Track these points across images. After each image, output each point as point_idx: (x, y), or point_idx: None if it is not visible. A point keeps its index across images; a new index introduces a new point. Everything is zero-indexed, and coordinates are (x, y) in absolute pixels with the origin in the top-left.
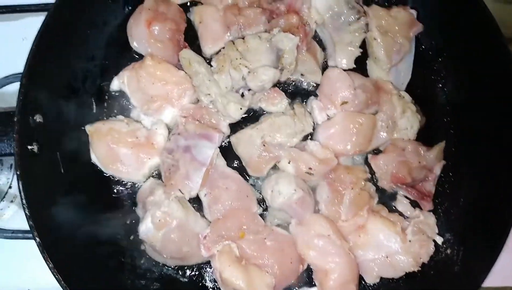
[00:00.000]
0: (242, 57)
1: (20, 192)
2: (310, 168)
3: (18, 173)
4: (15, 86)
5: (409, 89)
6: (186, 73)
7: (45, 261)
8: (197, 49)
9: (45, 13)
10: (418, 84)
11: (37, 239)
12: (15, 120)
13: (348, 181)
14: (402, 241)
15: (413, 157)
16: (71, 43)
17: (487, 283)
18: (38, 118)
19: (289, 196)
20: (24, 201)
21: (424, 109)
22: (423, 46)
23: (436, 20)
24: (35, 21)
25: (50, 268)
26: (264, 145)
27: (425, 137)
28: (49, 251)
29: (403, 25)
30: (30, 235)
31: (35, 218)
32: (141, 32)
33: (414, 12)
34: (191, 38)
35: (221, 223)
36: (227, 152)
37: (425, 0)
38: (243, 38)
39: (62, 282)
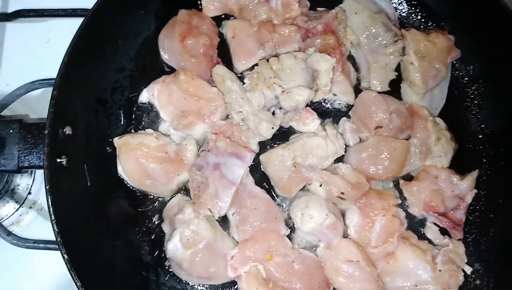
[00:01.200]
0: (276, 76)
1: (48, 207)
2: (342, 193)
3: (47, 187)
4: (37, 92)
5: (442, 114)
6: (218, 89)
7: (73, 279)
8: (228, 64)
9: (72, 18)
10: (451, 110)
11: (65, 256)
12: (45, 132)
13: (380, 207)
14: (432, 270)
15: (447, 185)
16: (102, 54)
17: None
18: (68, 130)
19: (321, 221)
20: (53, 216)
21: (456, 136)
22: (457, 72)
23: (473, 46)
24: (59, 23)
25: (78, 287)
26: (295, 166)
27: (456, 164)
28: (76, 268)
29: (441, 51)
30: (52, 245)
31: (63, 234)
32: (174, 46)
33: (452, 37)
34: (222, 53)
35: (249, 244)
36: (254, 170)
37: (462, 25)
38: (276, 56)
39: None
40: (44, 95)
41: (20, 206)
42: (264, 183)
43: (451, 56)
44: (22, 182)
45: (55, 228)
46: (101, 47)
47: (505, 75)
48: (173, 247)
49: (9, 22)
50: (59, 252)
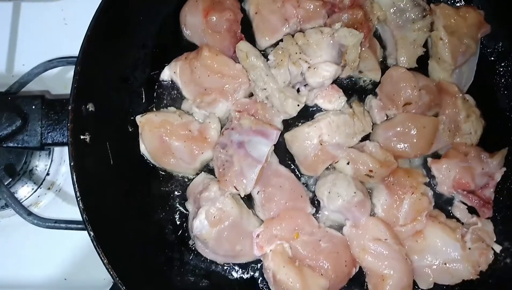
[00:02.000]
0: (302, 51)
1: (73, 184)
2: (370, 171)
3: (71, 164)
4: (54, 71)
5: (470, 92)
6: (242, 66)
7: (100, 256)
8: (251, 41)
9: None
10: (479, 87)
11: (91, 233)
12: (69, 108)
13: (408, 185)
14: (462, 248)
15: (476, 163)
16: (123, 31)
17: None
18: (91, 107)
19: (349, 199)
20: (77, 193)
21: (484, 113)
22: (486, 48)
23: (503, 22)
24: (76, 2)
25: (104, 264)
26: (321, 144)
27: (484, 142)
28: (103, 246)
29: (471, 26)
30: (73, 225)
31: (89, 211)
32: (197, 22)
33: (482, 12)
34: (245, 29)
35: (275, 222)
36: (278, 149)
37: (492, 0)
38: (301, 32)
39: (117, 279)
40: (62, 74)
41: (38, 187)
42: (290, 163)
43: (481, 31)
44: (40, 163)
45: (80, 205)
46: (123, 23)
47: None
48: (199, 224)
49: (23, 2)
50: (78, 232)
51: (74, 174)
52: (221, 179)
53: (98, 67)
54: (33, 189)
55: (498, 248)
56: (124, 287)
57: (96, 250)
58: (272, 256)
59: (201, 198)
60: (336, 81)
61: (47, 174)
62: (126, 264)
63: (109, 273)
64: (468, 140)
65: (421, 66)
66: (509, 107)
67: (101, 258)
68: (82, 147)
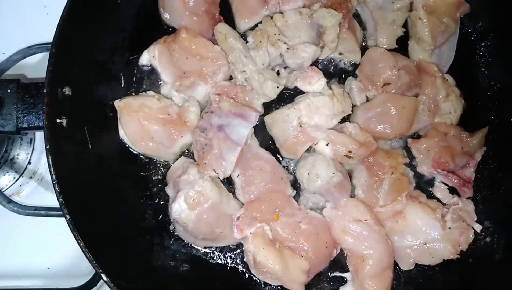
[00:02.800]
0: (281, 33)
1: (49, 167)
2: (349, 151)
3: (47, 147)
4: (37, 57)
5: (450, 72)
6: (221, 48)
7: (76, 239)
8: (230, 23)
9: None
10: (459, 67)
11: (67, 216)
12: (44, 91)
13: (388, 165)
14: (442, 228)
15: (456, 142)
16: (101, 13)
17: None
18: (67, 90)
19: (328, 180)
20: (53, 176)
21: (465, 93)
22: (466, 28)
23: (482, 1)
24: None
25: (81, 247)
26: (300, 126)
27: (465, 122)
28: (79, 228)
29: (450, 5)
30: (53, 212)
31: (65, 194)
32: (175, 4)
33: None
34: (224, 12)
35: (255, 205)
36: (259, 132)
37: None
38: (281, 13)
39: (94, 262)
40: (42, 61)
41: (20, 176)
42: (270, 146)
43: (460, 10)
44: (21, 152)
45: (56, 188)
46: (100, 5)
47: None
48: (178, 208)
49: None
50: (59, 219)
51: (49, 158)
52: (200, 163)
53: (75, 50)
54: (14, 178)
55: (478, 227)
56: (100, 270)
57: (72, 233)
58: (252, 239)
59: (180, 182)
60: (317, 63)
61: (29, 163)
62: (104, 248)
63: (86, 256)
64: (448, 119)
65: (402, 46)
66: (489, 87)
67: (77, 241)
68: (59, 130)
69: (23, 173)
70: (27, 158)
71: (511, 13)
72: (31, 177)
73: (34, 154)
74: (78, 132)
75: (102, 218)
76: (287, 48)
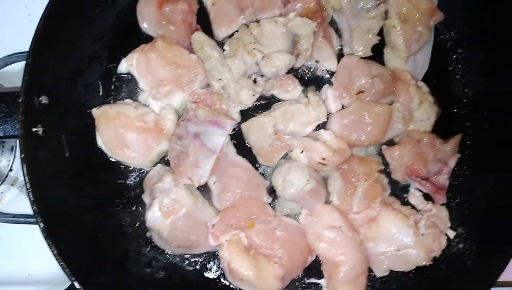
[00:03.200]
0: (257, 41)
1: (24, 176)
2: (323, 159)
3: (22, 156)
4: (18, 66)
5: (426, 79)
6: (198, 57)
7: (49, 247)
8: (209, 32)
9: None
10: (435, 75)
11: (41, 224)
12: (19, 100)
13: (362, 172)
14: (415, 234)
15: (429, 149)
16: (79, 22)
17: (502, 277)
18: (44, 99)
19: (302, 187)
20: (28, 185)
21: (440, 100)
22: (441, 36)
23: (457, 9)
24: None
25: (54, 255)
26: (276, 134)
27: (440, 129)
28: (53, 237)
29: (423, 13)
30: (32, 219)
31: (40, 202)
32: (152, 13)
33: (435, 0)
34: (202, 20)
35: (231, 212)
36: (237, 139)
37: None
38: (257, 22)
39: (67, 269)
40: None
41: (1, 183)
42: (247, 153)
43: (434, 18)
44: (3, 159)
45: (30, 196)
46: (77, 15)
47: (489, 38)
48: (152, 215)
49: None
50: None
51: (24, 166)
52: (176, 170)
53: (52, 59)
54: None
55: (452, 234)
56: (73, 278)
57: (46, 241)
58: (227, 246)
59: (155, 189)
60: (294, 71)
61: (10, 169)
62: (78, 255)
63: (59, 263)
64: (421, 127)
65: (378, 54)
66: (464, 94)
67: (50, 249)
68: (35, 139)
69: (4, 180)
70: (8, 165)
71: (485, 20)
72: (12, 184)
73: (16, 161)
74: (55, 140)
75: (77, 226)
76: (263, 57)
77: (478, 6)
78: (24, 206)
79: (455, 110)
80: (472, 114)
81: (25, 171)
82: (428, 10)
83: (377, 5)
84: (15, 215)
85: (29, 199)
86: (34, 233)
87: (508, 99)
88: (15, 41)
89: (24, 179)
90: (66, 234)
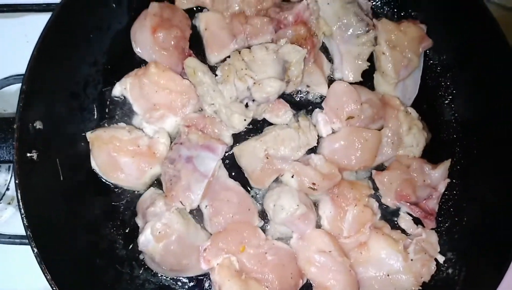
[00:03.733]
0: (248, 67)
1: (18, 201)
2: (313, 183)
3: (16, 181)
4: (15, 87)
5: (416, 104)
6: (190, 82)
7: (43, 272)
8: (201, 57)
9: (48, 13)
10: (424, 100)
11: (35, 249)
12: (14, 127)
13: (352, 197)
14: (404, 259)
15: (418, 175)
16: (74, 47)
17: None
18: (38, 124)
19: (292, 212)
20: (22, 210)
21: (430, 125)
22: (431, 61)
23: (446, 35)
24: (38, 19)
25: (47, 280)
26: (267, 158)
27: (430, 154)
28: (46, 262)
29: (412, 40)
30: (27, 240)
31: (33, 228)
32: (146, 39)
33: (424, 27)
34: (196, 45)
35: (222, 236)
36: (229, 163)
37: (435, 15)
38: (249, 48)
39: None
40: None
41: None
42: (240, 175)
43: (422, 45)
44: (0, 178)
45: (24, 222)
46: (72, 40)
47: (478, 63)
48: (145, 240)
49: None
50: None
51: (19, 192)
52: (168, 194)
53: (47, 85)
54: None
55: (441, 258)
56: None
57: (40, 266)
58: (218, 270)
59: (148, 213)
60: (286, 96)
61: (7, 189)
62: (72, 279)
63: (52, 288)
64: (411, 152)
65: (368, 80)
66: (454, 119)
67: (44, 274)
68: (29, 164)
69: (1, 199)
70: (5, 184)
71: (474, 45)
72: (9, 203)
73: (13, 180)
74: (49, 165)
75: (71, 249)
76: (254, 83)
77: (466, 31)
78: (21, 225)
79: (444, 135)
80: (461, 139)
81: (19, 197)
82: (417, 37)
83: (367, 32)
84: (10, 237)
85: (23, 224)
86: (30, 253)
87: (497, 124)
88: (13, 63)
89: (18, 205)
90: (60, 258)
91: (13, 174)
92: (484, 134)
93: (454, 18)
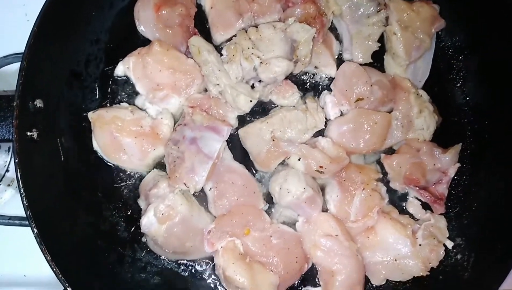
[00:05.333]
0: (255, 46)
1: (18, 181)
2: (321, 167)
3: (16, 160)
4: (15, 66)
5: (426, 87)
6: (195, 61)
7: (43, 253)
8: (207, 36)
9: None
10: (436, 83)
11: (35, 230)
12: (14, 104)
13: (360, 181)
14: (412, 245)
15: (428, 159)
16: (75, 25)
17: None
18: (39, 103)
19: (298, 195)
20: (22, 190)
21: (440, 108)
22: (443, 43)
23: (460, 17)
24: None
25: (47, 261)
26: (273, 140)
27: (440, 138)
28: (46, 243)
29: (425, 21)
30: (27, 221)
31: (33, 208)
32: (149, 16)
33: (437, 7)
34: (201, 24)
35: (226, 218)
36: (234, 145)
37: None
38: (256, 27)
39: (60, 275)
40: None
41: None
42: (244, 158)
43: (435, 26)
44: None
45: (24, 201)
46: (73, 17)
47: (491, 46)
48: (147, 221)
49: None
50: None
51: (18, 171)
52: (172, 176)
53: (47, 62)
54: None
55: (450, 244)
56: (67, 284)
57: (40, 247)
58: (223, 253)
59: (150, 195)
60: (293, 77)
61: (7, 170)
62: (72, 261)
63: (52, 269)
64: (421, 135)
65: (378, 61)
66: (465, 102)
67: (44, 255)
68: (29, 143)
69: (1, 180)
70: (5, 166)
71: (487, 28)
72: (9, 185)
73: (13, 162)
74: (50, 144)
75: (71, 231)
76: (261, 62)
77: (480, 13)
78: (20, 206)
79: (455, 119)
80: (472, 123)
81: (19, 176)
82: (430, 17)
83: (378, 11)
84: (10, 218)
85: (23, 204)
86: (30, 234)
87: (510, 109)
88: (12, 42)
89: (18, 184)
90: (60, 239)
91: (12, 155)
92: (496, 119)
93: None
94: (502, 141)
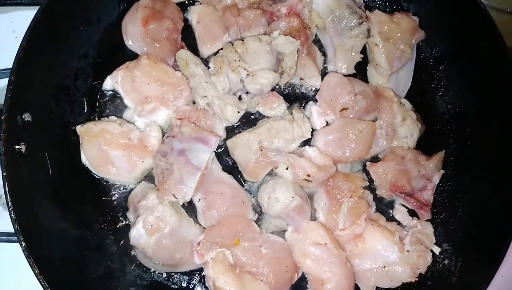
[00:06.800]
0: (241, 59)
1: (6, 195)
2: (308, 175)
3: (4, 174)
4: (3, 82)
5: (409, 96)
6: (182, 74)
7: (31, 267)
8: (194, 49)
9: (37, 7)
10: (418, 92)
11: (23, 243)
12: (2, 118)
13: (347, 189)
14: (400, 251)
15: (413, 166)
16: (63, 40)
17: None
18: (27, 116)
19: (287, 204)
20: (10, 203)
21: (423, 117)
22: (424, 54)
23: (439, 27)
24: (27, 14)
25: (36, 275)
26: (261, 150)
27: (424, 145)
28: (35, 256)
29: (405, 32)
30: (15, 237)
31: (21, 222)
32: (137, 31)
33: (416, 19)
34: (188, 38)
35: (216, 229)
36: (222, 156)
37: (428, 7)
38: (242, 40)
39: (49, 289)
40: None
41: None
42: (233, 169)
43: (415, 37)
44: None
45: (12, 215)
46: (61, 32)
47: (471, 55)
48: (136, 233)
49: None
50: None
51: (6, 184)
52: (160, 187)
53: (36, 76)
54: None
55: (437, 250)
56: None
57: (28, 261)
58: (212, 264)
59: (139, 207)
60: (280, 88)
61: None
62: (61, 275)
63: (40, 283)
64: (405, 143)
65: (361, 72)
66: (447, 110)
67: (32, 269)
68: (17, 157)
69: None
70: None
71: (466, 37)
72: None
73: (0, 177)
74: (38, 158)
75: (60, 244)
76: (247, 74)
77: (458, 24)
78: (8, 222)
79: (438, 127)
80: (455, 131)
81: (6, 190)
82: (410, 28)
83: (360, 24)
84: None
85: (11, 217)
86: (18, 250)
87: (490, 116)
88: (1, 59)
89: (6, 198)
90: (48, 253)
91: (0, 169)
92: (477, 126)
93: (446, 10)
94: (484, 146)
